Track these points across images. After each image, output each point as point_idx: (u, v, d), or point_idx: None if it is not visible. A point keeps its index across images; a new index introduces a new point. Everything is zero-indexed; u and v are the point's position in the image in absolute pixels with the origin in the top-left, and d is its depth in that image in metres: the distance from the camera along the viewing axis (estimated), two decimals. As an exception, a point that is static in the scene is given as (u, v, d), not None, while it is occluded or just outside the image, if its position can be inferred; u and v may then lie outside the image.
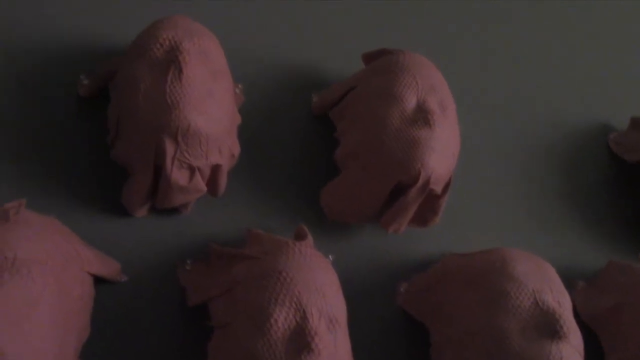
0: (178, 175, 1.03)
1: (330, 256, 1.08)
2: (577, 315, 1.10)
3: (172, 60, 1.02)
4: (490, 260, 1.06)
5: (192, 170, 1.04)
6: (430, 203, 1.13)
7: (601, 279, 1.21)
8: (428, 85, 1.12)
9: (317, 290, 0.93)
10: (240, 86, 1.20)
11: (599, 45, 1.50)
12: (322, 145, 1.21)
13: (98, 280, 1.00)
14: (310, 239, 1.03)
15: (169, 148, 1.01)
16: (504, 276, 1.02)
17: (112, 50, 1.17)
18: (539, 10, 1.50)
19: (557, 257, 1.18)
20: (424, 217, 1.15)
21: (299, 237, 1.03)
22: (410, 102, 1.10)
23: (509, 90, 1.39)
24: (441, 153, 1.08)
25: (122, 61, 1.09)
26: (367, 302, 1.11)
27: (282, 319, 0.90)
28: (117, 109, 1.07)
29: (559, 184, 1.32)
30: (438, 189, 1.10)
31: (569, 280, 1.16)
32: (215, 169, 1.07)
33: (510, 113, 1.36)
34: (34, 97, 1.13)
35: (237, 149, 1.11)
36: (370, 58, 1.23)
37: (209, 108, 1.03)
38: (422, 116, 1.09)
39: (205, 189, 1.07)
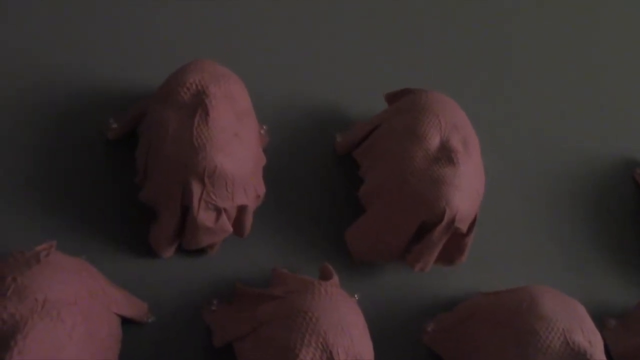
0: (204, 216, 1.04)
1: (355, 295, 1.08)
2: (608, 354, 1.08)
3: (199, 104, 1.05)
4: (518, 299, 1.05)
5: (218, 211, 1.05)
6: (456, 242, 1.12)
7: (633, 316, 1.18)
8: (451, 123, 1.13)
9: (343, 330, 0.93)
10: (265, 127, 1.22)
11: (624, 80, 1.49)
12: (347, 184, 1.21)
13: (125, 321, 1.01)
14: (335, 278, 1.02)
15: (196, 189, 1.02)
16: (532, 315, 1.01)
17: (140, 94, 1.20)
18: (563, 45, 1.50)
19: (587, 295, 1.16)
20: (450, 255, 1.14)
21: (325, 276, 1.03)
22: (434, 141, 1.11)
23: (533, 127, 1.38)
24: (466, 191, 1.08)
25: (150, 104, 1.12)
26: (394, 342, 1.10)
27: (308, 360, 0.90)
28: (145, 151, 1.09)
29: (585, 221, 1.30)
30: (463, 227, 1.10)
31: (600, 319, 1.14)
32: (241, 209, 1.08)
33: (535, 150, 1.36)
34: (64, 140, 1.16)
35: (262, 190, 1.12)
36: (393, 98, 1.24)
37: (235, 149, 1.05)
38: (445, 155, 1.09)
39: (231, 229, 1.08)
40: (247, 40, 1.33)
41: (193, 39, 1.31)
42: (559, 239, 1.27)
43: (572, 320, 1.00)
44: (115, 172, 1.14)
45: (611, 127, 1.42)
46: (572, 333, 0.98)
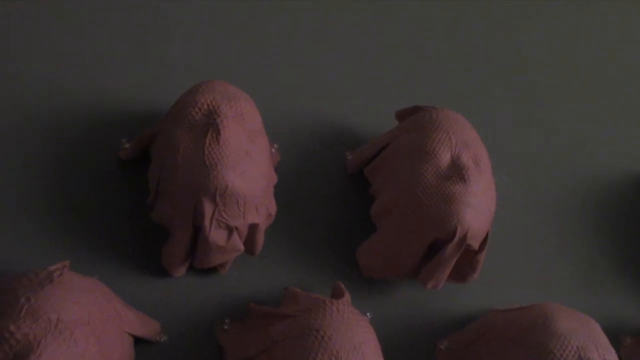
0: (216, 235, 1.04)
1: (368, 314, 1.07)
2: (624, 372, 1.07)
3: (211, 124, 1.05)
4: (532, 316, 1.04)
5: (229, 230, 1.05)
6: (468, 259, 1.12)
7: (649, 334, 1.17)
8: (461, 140, 1.13)
9: (355, 348, 0.93)
10: (276, 146, 1.22)
11: (636, 97, 1.49)
12: (358, 202, 1.21)
13: (137, 340, 1.01)
14: (347, 296, 1.02)
15: (208, 208, 1.03)
16: (546, 333, 1.00)
17: (152, 114, 1.21)
18: (575, 62, 1.50)
19: (602, 312, 1.15)
20: (462, 273, 1.14)
21: (337, 295, 1.03)
22: (444, 158, 1.11)
23: (547, 143, 1.38)
24: (477, 208, 1.08)
25: (162, 124, 1.13)
26: (407, 360, 1.10)
27: (320, 379, 0.90)
28: (157, 170, 1.10)
29: (599, 237, 1.29)
30: (475, 244, 1.09)
31: (615, 336, 1.13)
32: (253, 228, 1.09)
33: (546, 166, 1.35)
34: (78, 160, 1.17)
35: (273, 208, 1.12)
36: (403, 115, 1.24)
37: (246, 168, 1.05)
38: (456, 172, 1.09)
39: (242, 248, 1.09)
40: (258, 60, 1.35)
41: (204, 60, 1.32)
42: (573, 256, 1.26)
43: (586, 338, 0.99)
44: (127, 192, 1.15)
45: (624, 143, 1.42)
46: (587, 351, 0.97)
